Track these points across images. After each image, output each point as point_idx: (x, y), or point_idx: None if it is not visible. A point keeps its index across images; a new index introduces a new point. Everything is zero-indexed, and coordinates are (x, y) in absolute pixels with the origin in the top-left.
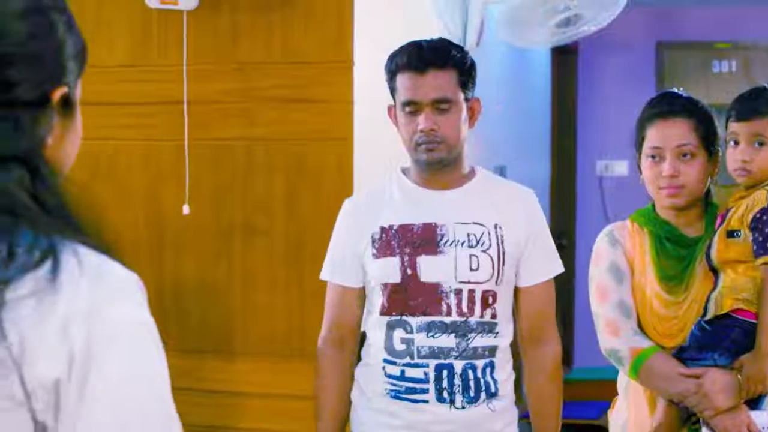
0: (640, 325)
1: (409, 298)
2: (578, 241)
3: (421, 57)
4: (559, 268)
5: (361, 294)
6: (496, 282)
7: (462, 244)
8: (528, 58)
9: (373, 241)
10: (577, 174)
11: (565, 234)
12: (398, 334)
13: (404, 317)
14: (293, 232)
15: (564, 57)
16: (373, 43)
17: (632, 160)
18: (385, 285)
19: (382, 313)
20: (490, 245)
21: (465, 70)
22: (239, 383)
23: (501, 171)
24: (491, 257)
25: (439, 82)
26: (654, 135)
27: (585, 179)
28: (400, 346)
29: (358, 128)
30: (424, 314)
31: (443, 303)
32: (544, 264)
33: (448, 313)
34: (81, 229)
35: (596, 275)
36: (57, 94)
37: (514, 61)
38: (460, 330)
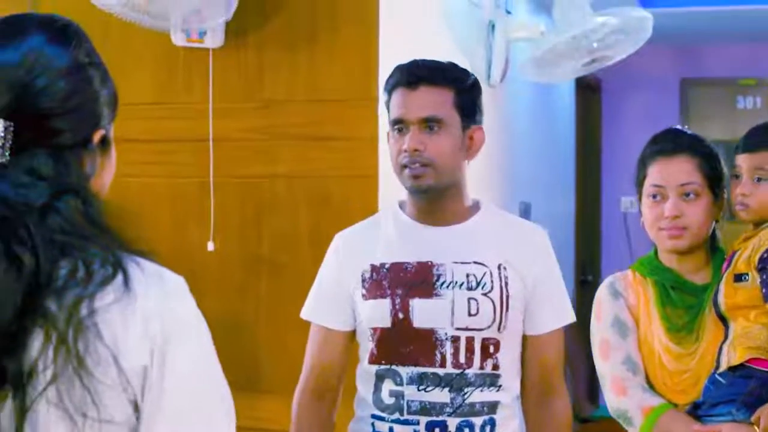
0: (649, 382)
1: (399, 345)
2: (604, 276)
3: (413, 72)
4: (569, 317)
5: (347, 339)
6: (499, 329)
7: (460, 285)
8: (553, 94)
9: (363, 281)
10: (601, 210)
11: (591, 270)
12: (387, 385)
13: (394, 367)
14: (318, 269)
15: (588, 93)
16: None
17: None
18: (374, 330)
19: (371, 361)
20: (492, 288)
21: (464, 91)
22: (264, 421)
23: (526, 207)
24: (493, 301)
25: (430, 99)
26: (656, 173)
27: (610, 215)
28: (389, 400)
29: (383, 165)
30: (416, 364)
31: (437, 352)
32: (554, 311)
33: (442, 364)
34: (129, 243)
35: (599, 331)
36: (96, 137)
37: (539, 97)
38: (456, 383)
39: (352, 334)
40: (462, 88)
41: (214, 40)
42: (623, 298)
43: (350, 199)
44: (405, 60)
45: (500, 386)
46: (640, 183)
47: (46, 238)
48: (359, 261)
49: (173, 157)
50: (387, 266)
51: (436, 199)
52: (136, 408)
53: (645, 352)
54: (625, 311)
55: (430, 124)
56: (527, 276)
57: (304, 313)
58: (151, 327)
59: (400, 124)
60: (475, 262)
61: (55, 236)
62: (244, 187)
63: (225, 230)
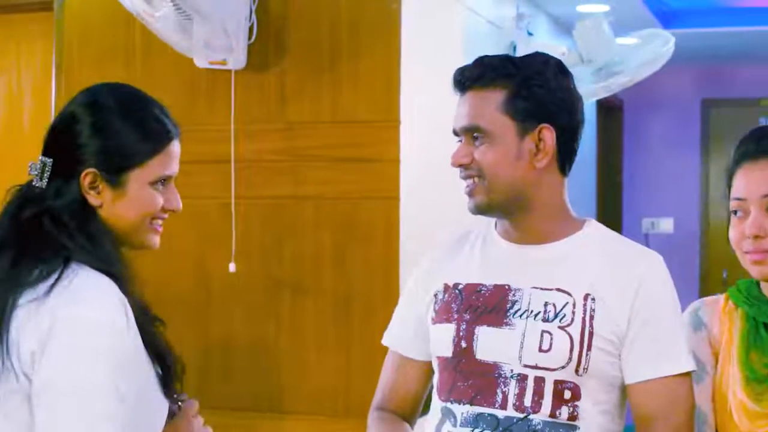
0: None
1: (458, 378)
2: None
3: (463, 74)
4: (680, 365)
5: (423, 368)
6: (577, 371)
7: (536, 316)
8: None
9: (435, 302)
10: (623, 231)
11: None
12: (446, 427)
13: (450, 404)
14: (341, 291)
15: (610, 113)
16: (419, 102)
17: (678, 217)
18: (438, 359)
19: (438, 395)
20: (572, 321)
21: (521, 87)
22: None
23: None
24: (571, 337)
25: (474, 105)
26: (738, 183)
27: (631, 237)
28: None
29: (405, 187)
30: (472, 403)
31: (498, 391)
32: (657, 356)
33: (503, 406)
34: (99, 257)
35: None
36: (83, 175)
37: None
38: (516, 429)
39: (430, 365)
40: (516, 86)
41: (236, 61)
42: (706, 329)
43: (373, 221)
44: (427, 82)
45: None
46: (727, 197)
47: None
48: (436, 279)
49: (195, 178)
50: (461, 287)
51: (511, 217)
52: (30, 383)
53: (718, 401)
54: (705, 346)
55: (474, 135)
56: (622, 310)
57: (384, 338)
58: (44, 322)
59: (457, 136)
60: (558, 290)
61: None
62: (266, 208)
63: (247, 252)
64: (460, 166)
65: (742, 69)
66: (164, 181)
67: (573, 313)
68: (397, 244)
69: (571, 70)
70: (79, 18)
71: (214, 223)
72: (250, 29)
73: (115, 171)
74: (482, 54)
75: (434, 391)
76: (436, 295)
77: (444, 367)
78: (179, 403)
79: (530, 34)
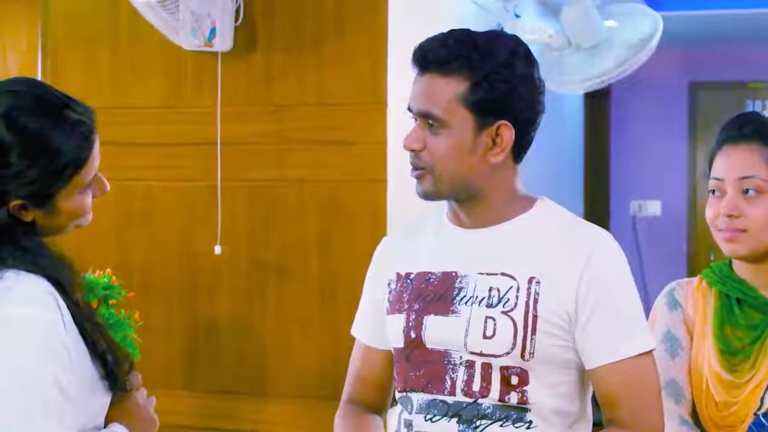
0: (694, 412)
1: (411, 368)
2: None
3: (423, 52)
4: (640, 344)
5: (388, 357)
6: (523, 356)
7: (480, 302)
8: (561, 98)
9: (389, 292)
10: (610, 214)
11: None
12: (404, 415)
13: (408, 393)
14: (327, 274)
15: (596, 97)
16: (406, 84)
17: (665, 199)
18: (394, 350)
19: (396, 386)
20: (515, 306)
21: (483, 81)
22: (271, 424)
23: None
24: (514, 322)
25: (432, 89)
26: (718, 164)
27: (618, 219)
28: (402, 431)
29: (392, 170)
30: (424, 391)
31: (447, 377)
32: (613, 339)
33: (452, 391)
34: (37, 266)
35: None
36: (10, 204)
37: (547, 101)
38: (466, 414)
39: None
40: (478, 78)
41: (222, 43)
42: (681, 309)
43: (359, 204)
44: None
45: (530, 423)
46: (707, 177)
47: None
48: (389, 269)
49: (181, 161)
50: (412, 276)
51: (459, 203)
52: None
53: (694, 377)
54: (680, 325)
55: (429, 121)
56: (569, 292)
57: (352, 328)
58: None
59: (411, 113)
60: (502, 274)
61: None
62: (252, 191)
63: (233, 234)
64: (411, 150)
65: (729, 52)
66: (92, 179)
67: (517, 297)
68: (384, 227)
69: (559, 53)
70: (65, 0)
71: (199, 205)
72: (237, 12)
73: (42, 199)
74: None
75: (395, 381)
76: (389, 285)
77: (398, 358)
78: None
79: (518, 16)
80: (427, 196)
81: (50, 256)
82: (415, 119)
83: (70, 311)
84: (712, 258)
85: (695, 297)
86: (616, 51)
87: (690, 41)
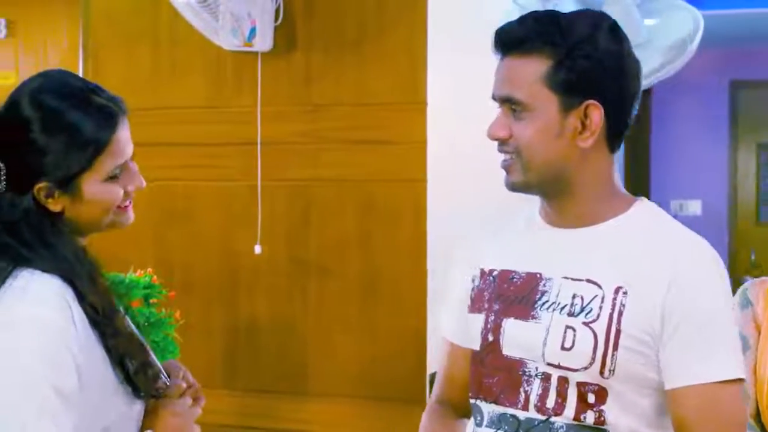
0: (758, 414)
1: (485, 375)
2: None
3: (503, 34)
4: (726, 370)
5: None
6: (602, 373)
7: (562, 309)
8: None
9: (472, 288)
10: None
11: None
12: (471, 427)
13: (479, 402)
14: (367, 273)
15: None
16: (446, 83)
17: (706, 199)
18: (472, 351)
19: (470, 391)
20: (597, 316)
21: (568, 58)
22: (311, 423)
23: None
24: (595, 335)
25: (513, 73)
26: None
27: None
28: None
29: (432, 169)
30: (497, 401)
31: (521, 390)
32: (696, 359)
33: (524, 406)
34: (56, 264)
35: None
36: (36, 189)
37: None
38: None
39: None
40: (561, 56)
41: (262, 43)
42: (752, 308)
43: (398, 203)
44: (453, 62)
45: None
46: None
47: None
48: (474, 264)
49: (222, 160)
50: (495, 273)
51: (549, 198)
52: None
53: (757, 379)
54: (749, 324)
55: (512, 106)
56: (657, 306)
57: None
58: None
59: (495, 102)
60: (588, 280)
61: None
62: (291, 190)
63: (272, 233)
64: (496, 139)
65: None
66: (121, 167)
67: (600, 308)
68: (425, 226)
69: None
70: (106, 0)
71: (240, 205)
72: (277, 12)
73: (65, 181)
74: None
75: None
76: (473, 280)
77: (473, 361)
78: (161, 389)
79: None
80: (515, 187)
81: (72, 257)
82: (499, 107)
83: (86, 314)
84: (753, 257)
85: (766, 297)
86: (659, 50)
87: (731, 40)
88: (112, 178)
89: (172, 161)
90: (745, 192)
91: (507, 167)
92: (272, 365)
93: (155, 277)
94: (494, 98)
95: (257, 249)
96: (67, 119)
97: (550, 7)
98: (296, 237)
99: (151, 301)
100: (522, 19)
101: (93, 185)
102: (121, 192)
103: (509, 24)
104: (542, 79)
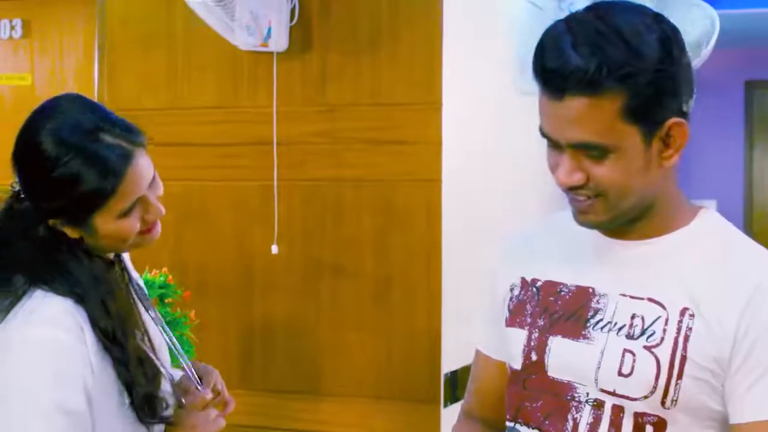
0: None
1: (526, 396)
2: None
3: (561, 71)
4: None
5: (505, 369)
6: (663, 403)
7: (619, 330)
8: None
9: (510, 299)
10: None
11: None
12: None
13: (519, 426)
14: (382, 274)
15: None
16: (461, 83)
17: (721, 199)
18: (509, 369)
19: (506, 413)
20: (662, 341)
21: (646, 89)
22: (327, 423)
23: None
24: (658, 361)
25: (583, 115)
26: None
27: None
28: None
29: (446, 170)
30: (540, 428)
31: (569, 417)
32: (763, 391)
33: None
34: (68, 287)
35: None
36: (50, 221)
37: None
38: None
39: None
40: (641, 86)
41: (278, 43)
42: None
43: (414, 204)
44: (469, 63)
45: None
46: None
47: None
48: (514, 271)
49: (237, 160)
50: (539, 284)
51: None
52: None
53: None
54: None
55: (588, 151)
56: (728, 332)
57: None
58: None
59: (549, 140)
60: (649, 299)
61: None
62: (307, 190)
63: (289, 234)
64: (571, 188)
65: None
66: (135, 202)
67: (664, 330)
68: (439, 227)
69: None
70: (121, 0)
71: (256, 205)
72: (292, 11)
73: (77, 219)
74: (524, 31)
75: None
76: (512, 290)
77: (513, 380)
78: (182, 399)
79: None
80: (597, 226)
81: (86, 281)
82: (555, 147)
83: (97, 338)
84: None
85: None
86: None
87: (746, 40)
88: (127, 213)
89: (187, 161)
90: (761, 192)
91: (586, 208)
92: (288, 365)
93: (170, 276)
94: (554, 142)
95: (274, 249)
96: (69, 170)
97: (565, 7)
98: (312, 237)
99: (166, 300)
100: (588, 54)
101: (106, 223)
102: (138, 224)
103: (567, 60)
104: (620, 115)
